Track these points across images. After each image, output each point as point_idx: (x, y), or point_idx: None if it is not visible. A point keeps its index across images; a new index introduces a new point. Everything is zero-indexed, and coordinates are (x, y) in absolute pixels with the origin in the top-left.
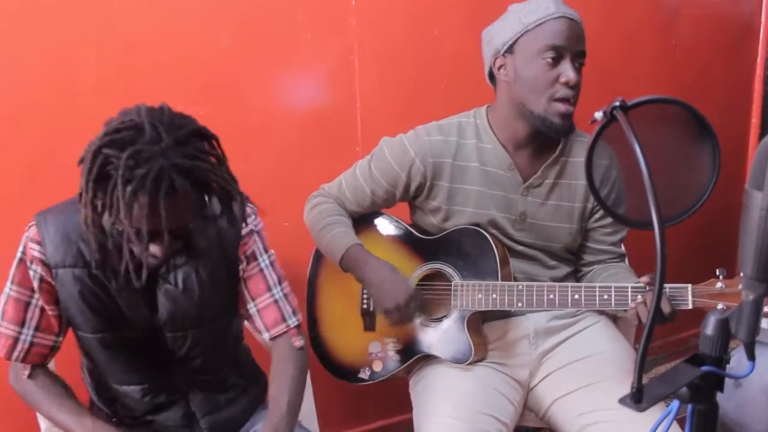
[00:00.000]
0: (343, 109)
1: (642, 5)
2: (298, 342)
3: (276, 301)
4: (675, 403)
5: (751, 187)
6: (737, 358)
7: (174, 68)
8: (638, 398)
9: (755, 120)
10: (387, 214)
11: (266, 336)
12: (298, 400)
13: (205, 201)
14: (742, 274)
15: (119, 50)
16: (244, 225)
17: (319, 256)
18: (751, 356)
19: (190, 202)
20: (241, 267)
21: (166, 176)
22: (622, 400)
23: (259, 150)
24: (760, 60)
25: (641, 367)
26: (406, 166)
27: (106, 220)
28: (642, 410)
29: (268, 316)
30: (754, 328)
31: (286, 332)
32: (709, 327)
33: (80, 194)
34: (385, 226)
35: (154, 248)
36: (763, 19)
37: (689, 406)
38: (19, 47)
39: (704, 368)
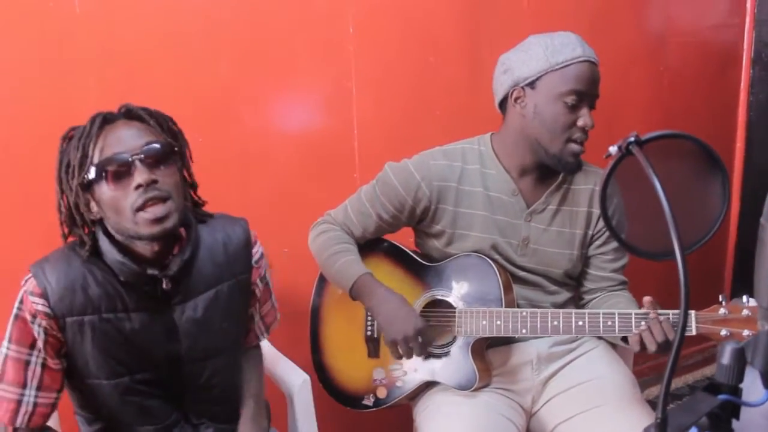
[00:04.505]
0: (340, 135)
1: (630, 32)
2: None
3: (273, 305)
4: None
5: (767, 221)
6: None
7: (173, 94)
8: (663, 429)
9: (740, 144)
10: (390, 240)
11: (263, 338)
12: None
13: (167, 139)
14: (758, 305)
15: (119, 76)
16: (254, 251)
17: (322, 283)
18: (767, 385)
19: (149, 128)
20: (257, 290)
21: (121, 110)
22: (646, 431)
23: (257, 176)
24: (743, 86)
25: (666, 397)
26: (412, 190)
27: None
28: None
29: (268, 317)
30: None
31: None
32: (726, 356)
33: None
34: (388, 252)
35: (140, 176)
36: (745, 46)
37: None
38: (19, 72)
39: (721, 397)
